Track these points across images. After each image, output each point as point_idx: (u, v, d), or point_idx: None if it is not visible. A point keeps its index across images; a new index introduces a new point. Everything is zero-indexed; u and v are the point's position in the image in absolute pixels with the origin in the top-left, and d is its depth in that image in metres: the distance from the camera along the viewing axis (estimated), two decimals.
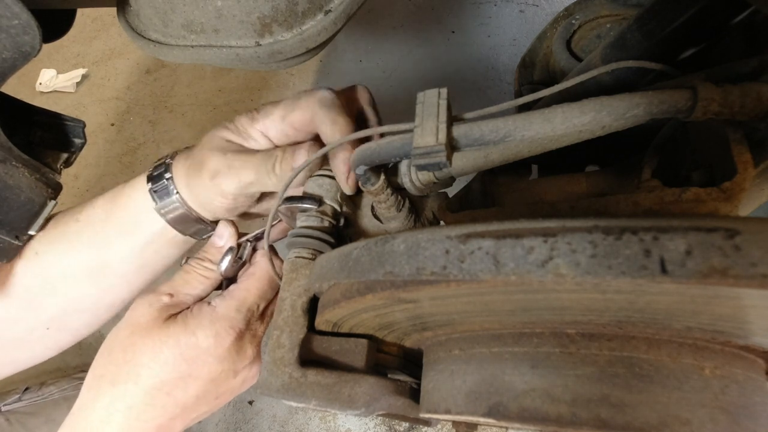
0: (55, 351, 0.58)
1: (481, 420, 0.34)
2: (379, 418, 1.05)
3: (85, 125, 0.55)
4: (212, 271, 0.50)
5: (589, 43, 0.65)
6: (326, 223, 0.45)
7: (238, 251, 0.51)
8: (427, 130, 0.32)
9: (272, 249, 0.49)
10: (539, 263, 0.25)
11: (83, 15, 1.90)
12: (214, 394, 0.47)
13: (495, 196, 0.50)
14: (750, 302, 0.25)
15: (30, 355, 0.57)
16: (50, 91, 1.76)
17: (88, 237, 0.52)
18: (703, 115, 0.32)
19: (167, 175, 0.50)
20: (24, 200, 0.48)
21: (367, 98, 0.51)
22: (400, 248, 0.29)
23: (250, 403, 1.15)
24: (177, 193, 0.50)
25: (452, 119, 0.34)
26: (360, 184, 0.41)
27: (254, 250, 0.53)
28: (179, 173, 0.51)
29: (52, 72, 1.78)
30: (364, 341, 0.40)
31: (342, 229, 0.48)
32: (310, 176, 0.47)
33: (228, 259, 0.50)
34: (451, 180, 0.43)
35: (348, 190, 0.46)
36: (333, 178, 0.47)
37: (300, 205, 0.45)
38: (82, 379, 0.46)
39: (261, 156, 0.47)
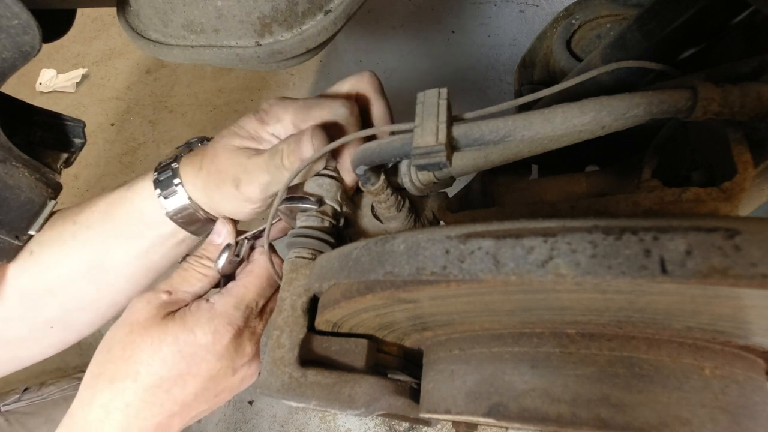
0: (59, 348, 0.58)
1: (481, 420, 0.34)
2: (379, 418, 1.05)
3: (85, 125, 0.55)
4: (210, 268, 0.51)
5: (589, 43, 0.65)
6: (326, 223, 0.45)
7: (235, 249, 0.51)
8: (427, 130, 0.32)
9: (271, 247, 0.49)
10: (539, 263, 0.25)
11: (83, 15, 1.90)
12: (213, 391, 0.47)
13: (495, 196, 0.50)
14: (750, 302, 0.25)
15: (33, 353, 0.57)
16: (50, 91, 1.76)
17: (84, 239, 0.52)
18: (703, 115, 0.32)
19: (176, 181, 0.50)
20: (24, 200, 0.48)
21: (376, 87, 0.50)
22: (400, 248, 0.29)
23: (250, 403, 1.15)
24: (189, 198, 0.50)
25: (452, 119, 0.34)
26: (360, 184, 0.41)
27: (252, 248, 0.53)
28: (191, 180, 0.50)
29: (52, 72, 1.78)
30: (364, 341, 0.40)
31: (342, 229, 0.48)
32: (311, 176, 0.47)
33: (225, 256, 0.50)
34: (451, 180, 0.43)
35: (350, 181, 0.47)
36: (333, 178, 0.47)
37: (300, 205, 0.45)
38: (82, 379, 0.46)
39: (268, 154, 0.46)
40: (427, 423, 0.57)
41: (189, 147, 0.55)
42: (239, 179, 0.47)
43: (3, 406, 1.02)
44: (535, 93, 0.35)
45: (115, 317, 0.51)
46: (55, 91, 1.77)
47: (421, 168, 0.34)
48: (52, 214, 0.53)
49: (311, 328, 0.41)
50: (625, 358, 0.31)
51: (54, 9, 0.53)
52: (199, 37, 0.47)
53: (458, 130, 0.33)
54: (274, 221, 0.53)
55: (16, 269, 0.51)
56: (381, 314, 0.36)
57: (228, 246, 0.51)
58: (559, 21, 0.68)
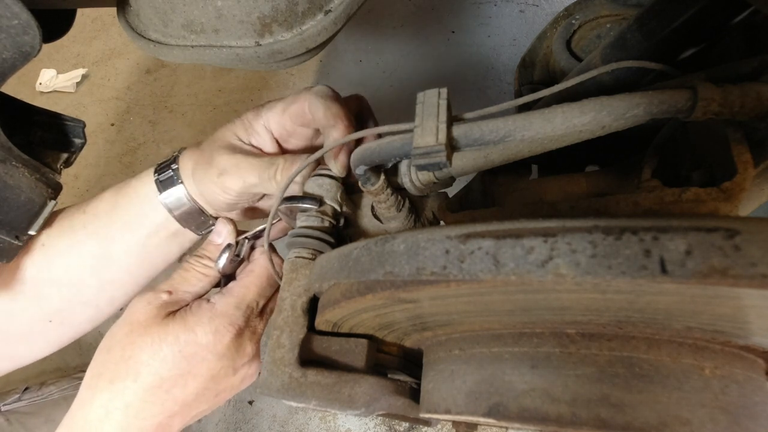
0: (56, 346, 0.58)
1: (481, 420, 0.34)
2: (379, 418, 1.05)
3: (85, 125, 0.55)
4: (211, 268, 0.51)
5: (589, 43, 0.65)
6: (326, 223, 0.45)
7: (236, 249, 0.51)
8: (427, 130, 0.32)
9: (271, 247, 0.49)
10: (539, 263, 0.25)
11: (83, 15, 1.90)
12: (213, 391, 0.47)
13: (495, 196, 0.50)
14: (750, 302, 0.25)
15: (31, 350, 0.57)
16: (50, 91, 1.76)
17: (93, 228, 0.53)
18: (703, 115, 0.32)
19: (174, 166, 0.52)
20: (24, 200, 0.48)
21: (365, 105, 0.53)
22: (400, 248, 0.29)
23: (250, 403, 1.15)
24: (181, 182, 0.51)
25: (452, 119, 0.34)
26: (360, 184, 0.41)
27: (252, 248, 0.53)
28: (186, 165, 0.52)
29: (52, 72, 1.78)
30: (364, 341, 0.40)
31: (342, 229, 0.48)
32: (311, 176, 0.47)
33: (225, 256, 0.50)
34: (451, 180, 0.43)
35: (337, 170, 0.47)
36: (333, 177, 0.47)
37: (300, 205, 0.45)
38: (82, 378, 0.46)
39: (266, 161, 0.48)
40: (427, 423, 0.57)
41: None
42: (225, 170, 0.49)
43: (3, 405, 1.02)
44: (535, 93, 0.35)
45: (114, 317, 0.51)
46: (55, 91, 1.77)
47: (421, 168, 0.34)
48: (60, 209, 0.53)
49: (311, 328, 0.41)
50: (625, 358, 0.31)
51: (54, 9, 0.53)
52: (199, 37, 0.47)
53: (458, 130, 0.33)
54: (275, 221, 0.53)
55: (27, 261, 0.52)
56: (381, 314, 0.36)
57: (228, 246, 0.51)
58: (559, 21, 0.68)
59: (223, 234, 0.52)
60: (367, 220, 0.49)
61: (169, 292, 0.48)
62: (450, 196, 0.51)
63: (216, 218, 0.54)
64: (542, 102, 0.49)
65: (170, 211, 0.52)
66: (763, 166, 0.38)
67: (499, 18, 1.60)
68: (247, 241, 0.52)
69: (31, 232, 0.50)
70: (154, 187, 0.52)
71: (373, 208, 0.49)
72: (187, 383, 0.45)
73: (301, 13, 0.45)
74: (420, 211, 0.50)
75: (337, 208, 0.46)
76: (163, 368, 0.44)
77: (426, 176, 0.42)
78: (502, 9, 1.62)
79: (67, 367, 1.21)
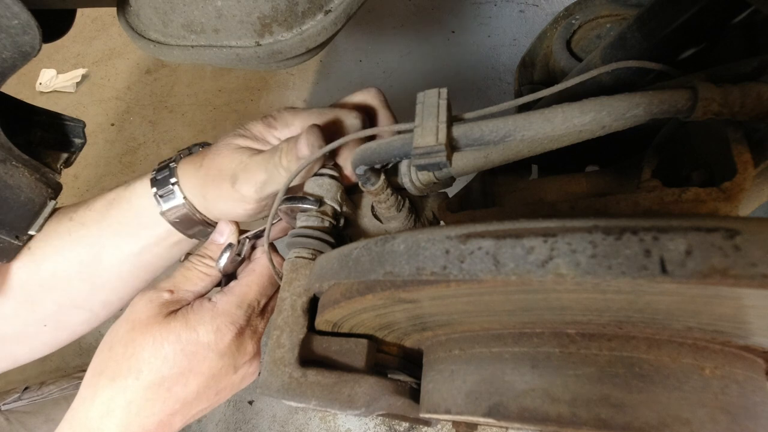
0: (53, 348, 0.58)
1: (481, 420, 0.34)
2: (379, 418, 1.05)
3: (85, 125, 0.55)
4: (212, 267, 0.51)
5: (589, 43, 0.65)
6: (326, 223, 0.45)
7: (237, 248, 0.51)
8: (427, 130, 0.32)
9: (272, 247, 0.49)
10: (539, 263, 0.25)
11: (83, 15, 1.90)
12: (214, 389, 0.47)
13: (495, 196, 0.50)
14: (750, 302, 0.25)
15: (28, 351, 0.57)
16: (50, 91, 1.76)
17: (79, 236, 0.52)
18: (703, 115, 0.32)
19: (172, 180, 0.50)
20: (24, 200, 0.48)
21: (383, 100, 0.52)
22: (400, 248, 0.29)
23: (250, 403, 1.15)
24: (184, 197, 0.50)
25: (452, 119, 0.34)
26: (360, 184, 0.41)
27: (253, 247, 0.53)
28: (188, 179, 0.50)
29: (52, 72, 1.78)
30: (364, 341, 0.40)
31: (342, 229, 0.48)
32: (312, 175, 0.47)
33: (227, 255, 0.50)
34: (451, 180, 0.43)
35: (348, 171, 0.47)
36: (333, 177, 0.47)
37: (300, 205, 0.45)
38: (82, 378, 0.46)
39: (268, 152, 0.47)
40: (427, 423, 0.57)
41: (189, 151, 0.56)
42: (237, 176, 0.47)
43: (3, 405, 1.02)
44: (535, 93, 0.35)
45: (111, 317, 0.51)
46: (55, 91, 1.77)
47: (421, 168, 0.34)
48: (52, 212, 0.53)
49: (311, 328, 0.41)
50: (625, 358, 0.31)
51: (54, 9, 0.53)
52: (199, 37, 0.47)
53: (458, 130, 0.33)
54: (275, 221, 0.53)
55: (16, 266, 0.52)
56: (381, 314, 0.36)
57: (230, 245, 0.51)
58: (559, 21, 0.68)
59: (225, 233, 0.52)
60: (367, 220, 0.49)
61: (171, 291, 0.48)
62: (450, 196, 0.51)
63: (217, 224, 0.53)
64: (542, 102, 0.49)
65: (172, 223, 0.51)
66: (763, 166, 0.38)
67: (499, 18, 1.60)
68: (248, 240, 0.52)
69: (31, 232, 0.50)
70: (152, 200, 0.51)
71: (373, 208, 0.49)
72: (189, 381, 0.45)
73: (301, 13, 0.45)
74: (420, 211, 0.50)
75: (337, 208, 0.46)
76: (164, 366, 0.44)
77: (426, 176, 0.42)
78: (502, 9, 1.62)
79: (67, 367, 1.21)
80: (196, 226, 0.52)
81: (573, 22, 0.66)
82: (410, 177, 0.42)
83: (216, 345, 0.45)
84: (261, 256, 0.51)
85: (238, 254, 0.51)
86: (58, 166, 0.53)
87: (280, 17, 0.45)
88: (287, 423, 1.12)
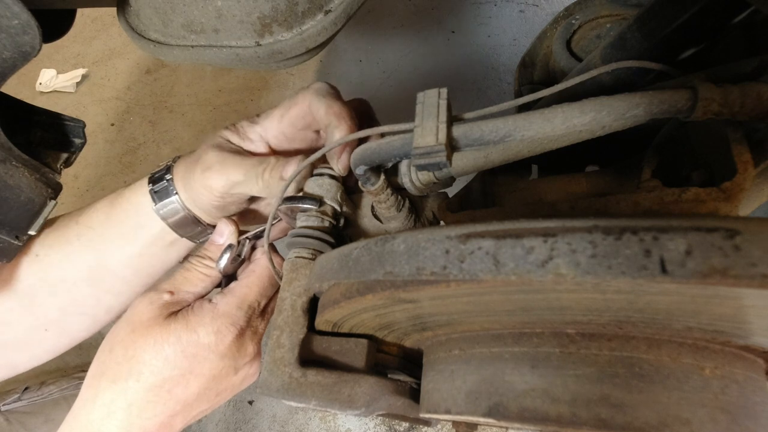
0: (53, 354, 0.58)
1: (481, 420, 0.34)
2: (379, 418, 1.05)
3: (85, 125, 0.55)
4: (213, 269, 0.51)
5: (589, 43, 0.65)
6: (326, 223, 0.45)
7: (237, 249, 0.51)
8: (427, 130, 0.32)
9: (272, 247, 0.49)
10: (539, 263, 0.25)
11: (83, 15, 1.90)
12: (214, 391, 0.47)
13: (495, 196, 0.50)
14: (750, 302, 0.25)
15: (28, 358, 0.57)
16: (50, 91, 1.76)
17: (87, 239, 0.52)
18: (703, 115, 0.32)
19: (168, 176, 0.51)
20: (24, 200, 0.48)
21: (367, 109, 0.53)
22: (400, 248, 0.29)
23: (250, 403, 1.15)
24: (176, 193, 0.51)
25: (452, 119, 0.34)
26: (360, 184, 0.41)
27: (253, 248, 0.53)
28: (179, 173, 0.51)
29: (52, 72, 1.78)
30: (364, 341, 0.40)
31: (342, 229, 0.48)
32: (311, 176, 0.47)
33: (227, 256, 0.50)
34: (451, 180, 0.43)
35: (338, 169, 0.47)
36: (333, 177, 0.47)
37: (300, 205, 0.45)
38: (82, 378, 0.46)
39: (255, 160, 0.48)
40: (427, 423, 0.57)
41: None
42: (210, 166, 0.48)
43: (3, 405, 1.02)
44: (535, 93, 0.35)
45: (112, 321, 0.51)
46: (55, 91, 1.77)
47: (421, 168, 0.34)
48: (54, 217, 0.53)
49: (311, 328, 0.41)
50: (625, 358, 0.31)
51: (54, 9, 0.53)
52: (199, 37, 0.47)
53: (458, 130, 0.33)
54: (275, 221, 0.53)
55: (21, 271, 0.52)
56: (381, 314, 0.36)
57: (230, 246, 0.51)
58: (559, 21, 0.68)
59: (224, 234, 0.52)
60: (367, 220, 0.49)
61: (171, 293, 0.48)
62: (450, 196, 0.51)
63: (213, 226, 0.53)
64: (542, 102, 0.49)
65: (165, 221, 0.52)
66: (763, 166, 0.38)
67: (499, 18, 1.60)
68: (248, 241, 0.52)
69: (31, 232, 0.50)
70: (149, 197, 0.51)
71: (373, 208, 0.49)
72: (189, 383, 0.45)
73: (301, 13, 0.45)
74: (420, 211, 0.50)
75: (337, 208, 0.46)
76: (165, 368, 0.44)
77: (426, 176, 0.42)
78: (502, 9, 1.62)
79: (67, 367, 1.21)
80: (188, 225, 0.53)
81: (573, 22, 0.66)
82: (410, 177, 0.42)
83: (216, 346, 0.45)
84: (261, 256, 0.51)
85: (238, 255, 0.51)
86: (58, 166, 0.53)
87: (280, 17, 0.45)
88: (287, 423, 1.12)
